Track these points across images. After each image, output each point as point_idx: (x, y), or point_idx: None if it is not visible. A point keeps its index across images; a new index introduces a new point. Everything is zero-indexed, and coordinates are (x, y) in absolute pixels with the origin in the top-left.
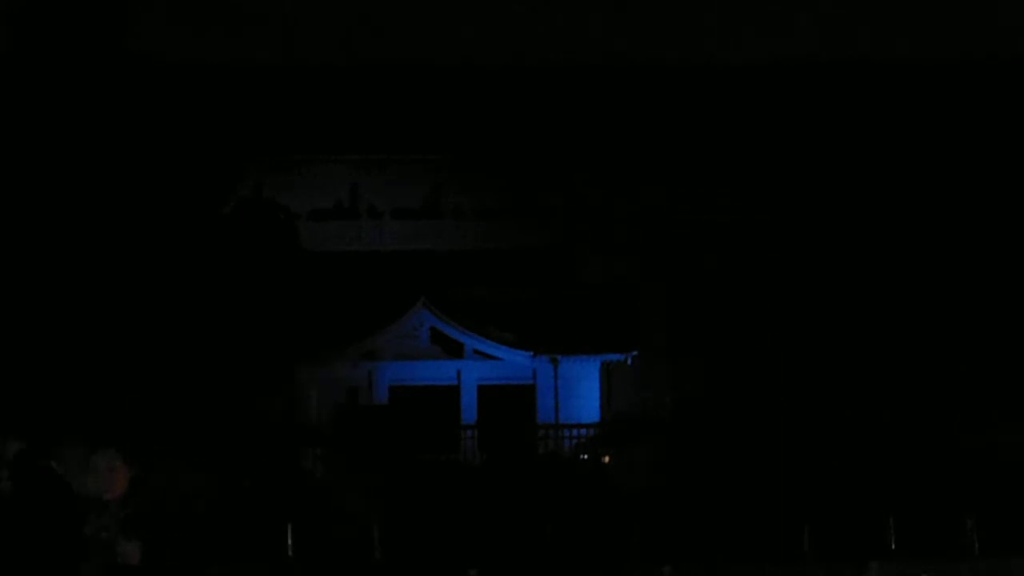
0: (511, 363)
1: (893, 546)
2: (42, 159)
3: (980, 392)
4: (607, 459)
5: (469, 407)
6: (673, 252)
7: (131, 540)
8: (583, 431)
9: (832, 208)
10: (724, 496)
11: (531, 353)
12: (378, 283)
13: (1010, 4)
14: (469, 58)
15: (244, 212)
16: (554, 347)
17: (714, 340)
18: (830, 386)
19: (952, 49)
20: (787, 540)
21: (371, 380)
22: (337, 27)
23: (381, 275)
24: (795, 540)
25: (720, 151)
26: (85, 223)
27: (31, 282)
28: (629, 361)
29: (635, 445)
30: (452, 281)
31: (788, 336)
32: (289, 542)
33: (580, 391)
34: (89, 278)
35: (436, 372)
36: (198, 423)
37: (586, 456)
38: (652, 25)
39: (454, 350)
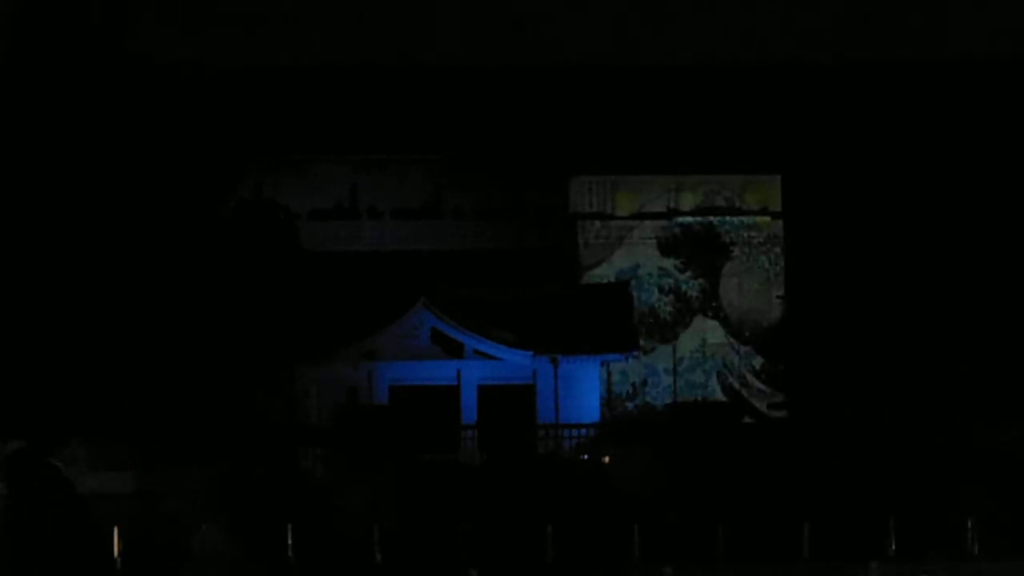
0: (511, 363)
1: (893, 547)
2: (43, 160)
3: (980, 392)
4: (607, 459)
5: (469, 407)
6: (673, 251)
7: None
8: (583, 431)
9: (832, 208)
10: (723, 496)
11: (531, 353)
12: (378, 283)
13: (1010, 4)
14: (468, 58)
15: (244, 212)
16: (554, 347)
17: (713, 339)
18: (830, 386)
19: (951, 50)
20: (787, 540)
21: (371, 380)
22: (337, 28)
23: (381, 275)
24: (795, 540)
25: (719, 151)
26: (86, 223)
27: (33, 282)
28: (629, 361)
29: (633, 445)
30: (452, 281)
31: (787, 335)
32: (289, 542)
33: (580, 391)
34: (90, 278)
35: (436, 372)
36: (199, 423)
37: (586, 456)
38: (652, 26)
39: (454, 350)
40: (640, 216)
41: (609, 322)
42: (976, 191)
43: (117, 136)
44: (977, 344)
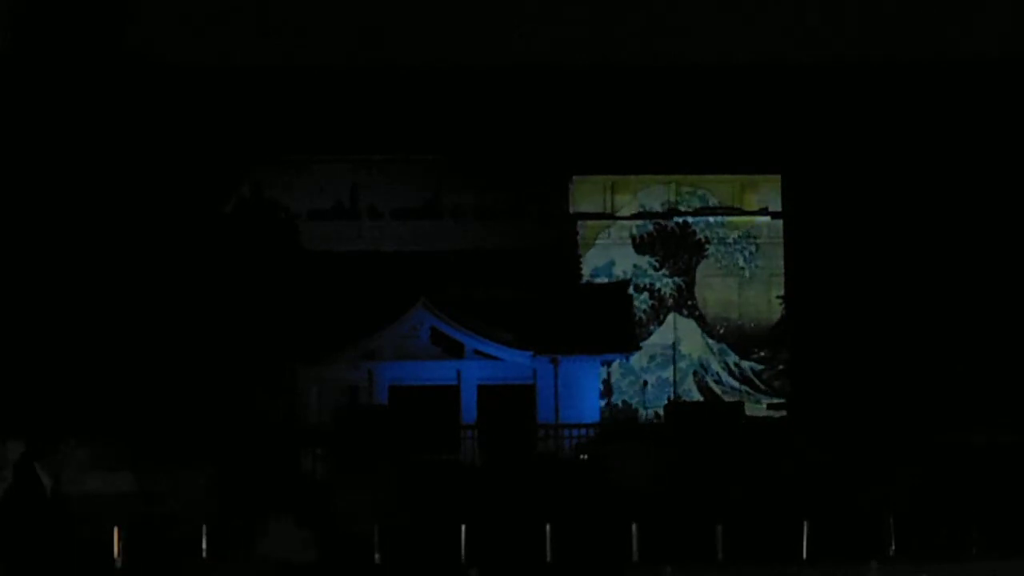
0: (511, 363)
1: (893, 547)
2: (43, 159)
3: (979, 392)
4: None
5: (469, 407)
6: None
7: None
8: (583, 431)
9: (832, 208)
10: (723, 496)
11: (531, 353)
12: (378, 283)
13: (1010, 4)
14: (469, 58)
15: (244, 212)
16: (554, 347)
17: (712, 337)
18: (829, 385)
19: (951, 50)
20: (787, 540)
21: (371, 380)
22: (337, 28)
23: (381, 275)
24: (795, 540)
25: (719, 151)
26: (86, 223)
27: (32, 282)
28: (628, 361)
29: (634, 444)
30: (452, 281)
31: (786, 334)
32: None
33: (580, 391)
34: (90, 278)
35: (436, 372)
36: (199, 423)
37: (586, 456)
38: (652, 26)
39: (454, 350)
40: (638, 216)
41: (609, 322)
42: (976, 191)
43: (117, 135)
44: (976, 345)
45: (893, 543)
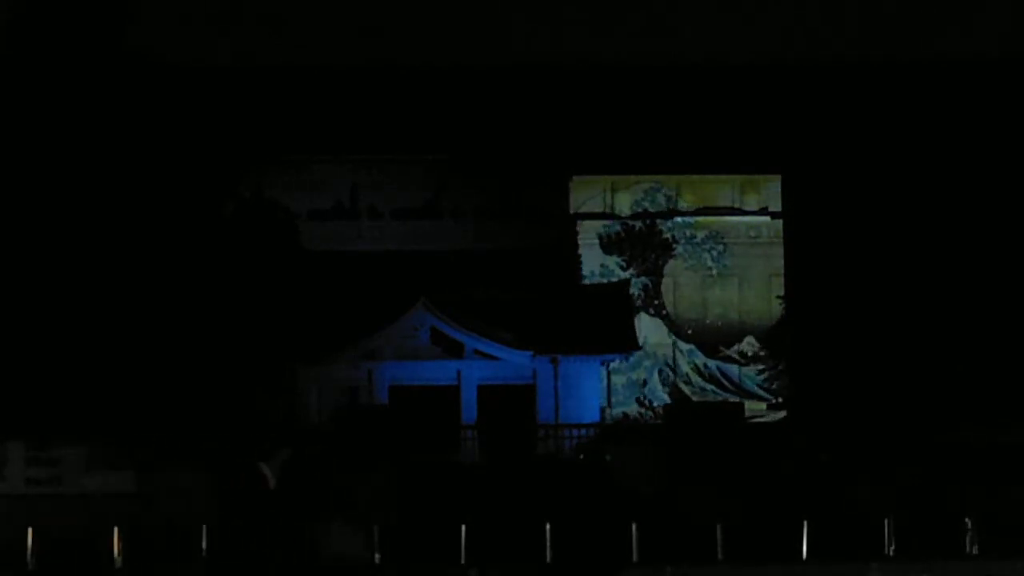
0: (511, 363)
1: (892, 547)
2: (43, 160)
3: (979, 392)
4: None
5: (469, 407)
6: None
7: None
8: (583, 431)
9: (832, 208)
10: (723, 496)
11: (531, 353)
12: (378, 283)
13: (1010, 4)
14: (469, 58)
15: (244, 212)
16: (554, 347)
17: (711, 337)
18: (828, 386)
19: (951, 50)
20: (787, 540)
21: (371, 380)
22: (337, 28)
23: (381, 275)
24: (795, 540)
25: (719, 151)
26: (87, 223)
27: (33, 283)
28: (628, 361)
29: (634, 444)
30: (452, 281)
31: (785, 333)
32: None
33: (580, 391)
34: (90, 278)
35: (436, 372)
36: (199, 423)
37: (585, 456)
38: (652, 26)
39: (454, 350)
40: (638, 216)
41: (608, 322)
42: (976, 191)
43: (117, 136)
44: (975, 344)
45: (893, 543)
